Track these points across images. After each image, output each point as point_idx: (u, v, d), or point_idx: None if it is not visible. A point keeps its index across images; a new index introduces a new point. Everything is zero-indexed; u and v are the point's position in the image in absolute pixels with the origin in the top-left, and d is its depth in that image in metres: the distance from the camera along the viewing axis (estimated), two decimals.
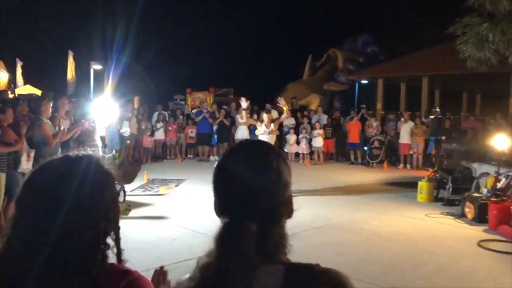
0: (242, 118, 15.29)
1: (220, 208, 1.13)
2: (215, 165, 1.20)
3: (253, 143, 1.26)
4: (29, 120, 7.18)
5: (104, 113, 8.71)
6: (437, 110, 11.11)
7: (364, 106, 17.35)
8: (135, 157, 14.27)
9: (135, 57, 20.90)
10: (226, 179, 1.13)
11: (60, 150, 7.28)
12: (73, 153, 1.23)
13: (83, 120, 7.67)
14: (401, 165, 14.62)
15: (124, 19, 20.99)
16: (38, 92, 16.64)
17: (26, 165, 6.61)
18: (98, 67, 15.82)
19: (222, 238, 1.07)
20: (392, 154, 15.33)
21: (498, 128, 11.27)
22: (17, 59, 17.96)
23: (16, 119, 6.90)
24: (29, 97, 12.71)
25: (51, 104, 7.23)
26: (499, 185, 8.23)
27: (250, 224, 1.07)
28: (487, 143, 9.61)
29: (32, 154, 6.73)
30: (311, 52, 26.91)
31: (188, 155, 16.06)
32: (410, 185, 10.63)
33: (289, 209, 1.16)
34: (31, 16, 24.29)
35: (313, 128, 15.46)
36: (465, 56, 11.28)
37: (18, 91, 17.02)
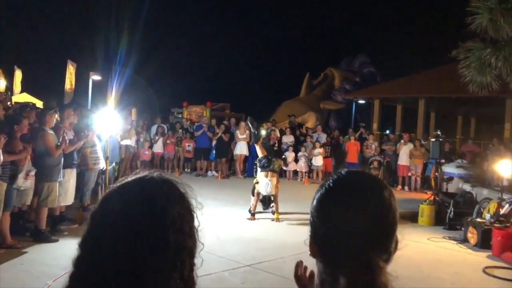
0: (241, 133, 15.33)
1: (340, 240, 1.08)
2: (320, 195, 1.14)
3: (369, 177, 1.19)
4: (33, 130, 7.06)
5: (106, 125, 8.63)
6: (439, 133, 11.12)
7: (363, 124, 17.39)
8: (132, 169, 14.13)
9: (136, 70, 20.88)
10: (352, 212, 1.08)
11: (62, 161, 7.19)
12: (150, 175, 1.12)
13: (87, 132, 7.58)
14: (399, 186, 14.61)
15: (126, 32, 21.00)
16: (34, 100, 16.48)
17: (23, 183, 6.48)
18: (97, 78, 15.74)
19: (354, 270, 1.04)
20: (390, 175, 15.32)
21: (498, 154, 11.31)
22: (15, 67, 17.80)
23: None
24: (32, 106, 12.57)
25: (57, 116, 7.14)
26: (502, 211, 8.20)
27: (379, 260, 1.05)
28: (489, 168, 9.62)
29: (32, 173, 6.59)
30: (309, 70, 27.09)
31: (186, 169, 15.93)
32: (410, 207, 10.58)
33: (396, 246, 1.13)
34: (32, 24, 24.24)
35: (313, 146, 15.46)
36: (466, 80, 11.35)
37: (14, 99, 16.83)
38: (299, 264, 1.49)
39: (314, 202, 1.16)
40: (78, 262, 1.04)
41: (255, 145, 9.76)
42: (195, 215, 1.12)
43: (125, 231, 1.01)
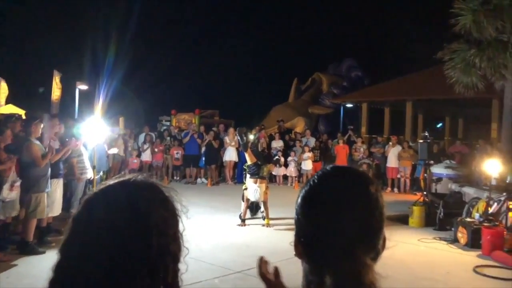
0: (230, 139, 15.28)
1: (325, 238, 1.04)
2: (305, 192, 1.10)
3: (354, 172, 1.15)
4: (18, 140, 6.96)
5: (93, 134, 8.55)
6: (426, 134, 11.19)
7: (352, 127, 17.48)
8: None
9: (123, 78, 20.77)
10: (338, 208, 1.04)
11: (49, 171, 7.09)
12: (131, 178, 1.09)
13: (75, 139, 7.52)
14: (389, 188, 14.65)
15: (113, 40, 20.93)
16: (21, 111, 16.30)
17: (8, 194, 6.40)
18: (83, 87, 15.61)
19: (341, 268, 1.00)
20: (379, 178, 15.37)
21: (485, 153, 11.39)
22: (0, 78, 17.59)
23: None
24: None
25: (42, 125, 7.05)
26: (491, 210, 8.25)
27: (366, 258, 1.01)
28: (477, 168, 9.67)
29: (17, 184, 6.51)
30: (297, 76, 27.17)
31: (175, 177, 15.83)
32: (399, 209, 10.60)
33: (384, 244, 1.10)
34: (17, 34, 24.07)
35: (302, 151, 15.48)
36: (452, 81, 11.46)
37: (0, 110, 16.64)
38: (262, 261, 1.39)
39: (299, 199, 1.11)
40: (58, 268, 1.02)
41: (245, 152, 9.75)
42: (179, 219, 1.09)
43: (107, 235, 0.98)
